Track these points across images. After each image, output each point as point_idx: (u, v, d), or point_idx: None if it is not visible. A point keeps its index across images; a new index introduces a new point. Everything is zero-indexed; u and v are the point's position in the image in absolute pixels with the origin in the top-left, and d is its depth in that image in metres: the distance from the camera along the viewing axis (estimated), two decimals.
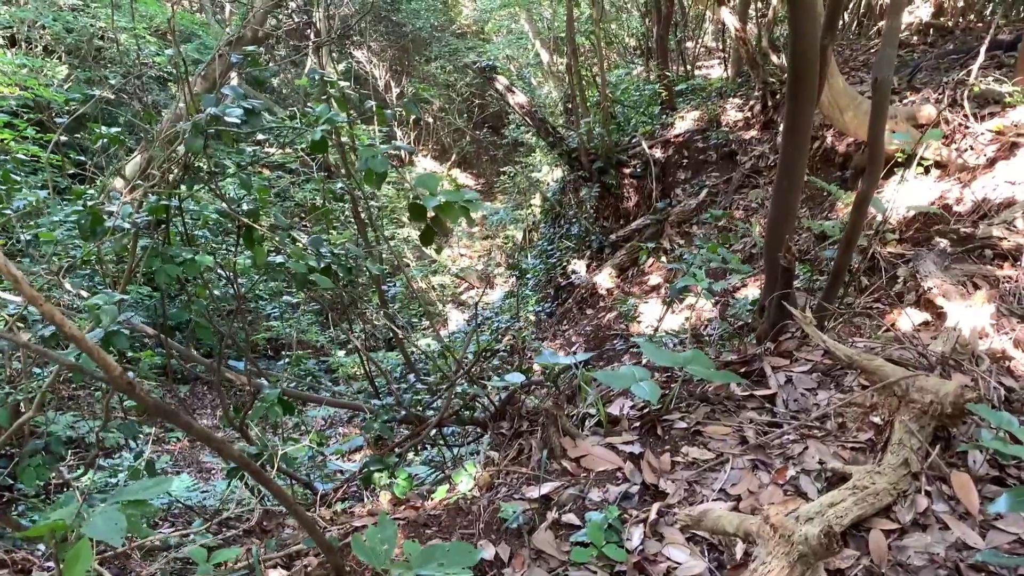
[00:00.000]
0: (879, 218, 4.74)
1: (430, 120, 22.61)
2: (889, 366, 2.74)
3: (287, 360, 5.63)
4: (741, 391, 3.07)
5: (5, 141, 7.03)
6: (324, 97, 2.83)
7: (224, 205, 3.41)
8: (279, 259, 3.27)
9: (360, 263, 3.61)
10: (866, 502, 2.27)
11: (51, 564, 3.16)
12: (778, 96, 8.10)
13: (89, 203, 3.17)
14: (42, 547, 3.41)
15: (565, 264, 9.29)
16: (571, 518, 2.43)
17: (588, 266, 8.91)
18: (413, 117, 22.49)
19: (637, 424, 2.91)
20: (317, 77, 3.29)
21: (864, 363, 2.77)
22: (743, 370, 3.20)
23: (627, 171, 8.73)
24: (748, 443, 2.73)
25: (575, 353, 5.06)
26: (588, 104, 9.47)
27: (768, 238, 3.21)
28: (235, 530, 3.65)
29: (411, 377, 4.39)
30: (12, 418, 3.36)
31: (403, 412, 4.26)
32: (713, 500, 2.48)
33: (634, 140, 8.93)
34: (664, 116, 9.29)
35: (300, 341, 9.92)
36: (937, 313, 3.91)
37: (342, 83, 2.89)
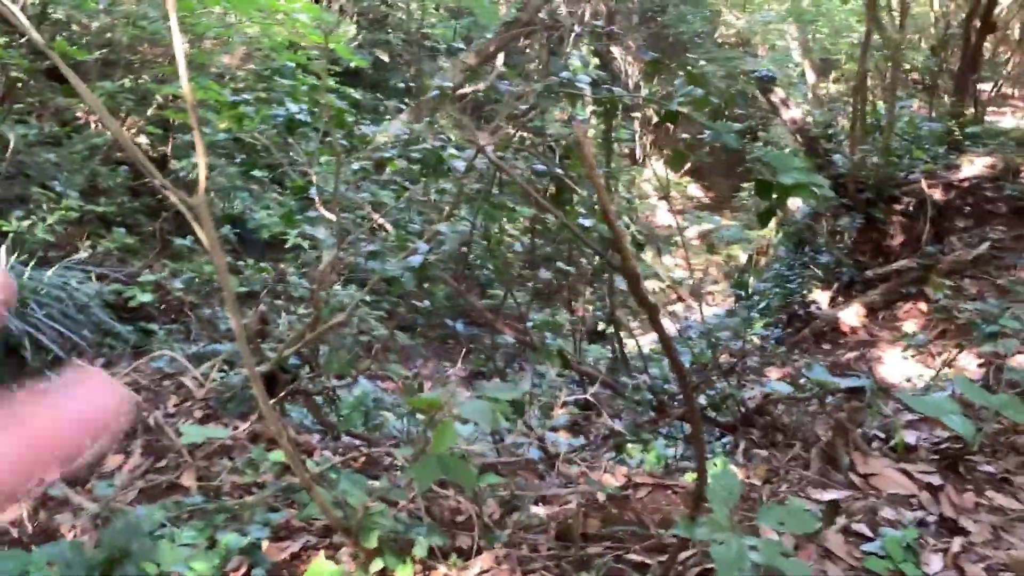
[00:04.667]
0: None
1: (670, 125, 22.42)
2: None
3: (531, 325, 5.88)
4: None
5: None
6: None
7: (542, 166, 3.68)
8: (588, 223, 3.48)
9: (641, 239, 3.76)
10: None
11: (327, 452, 3.57)
12: None
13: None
14: (316, 436, 3.89)
15: (805, 292, 8.88)
16: (862, 528, 2.39)
17: (832, 299, 8.47)
18: (655, 120, 22.52)
19: (935, 457, 2.78)
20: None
21: None
22: None
23: (898, 207, 8.17)
24: None
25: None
26: (867, 131, 8.96)
27: None
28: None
29: (668, 363, 4.47)
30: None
31: (652, 397, 4.37)
32: None
33: (911, 176, 8.33)
34: (949, 157, 8.58)
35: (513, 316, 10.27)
36: None
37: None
